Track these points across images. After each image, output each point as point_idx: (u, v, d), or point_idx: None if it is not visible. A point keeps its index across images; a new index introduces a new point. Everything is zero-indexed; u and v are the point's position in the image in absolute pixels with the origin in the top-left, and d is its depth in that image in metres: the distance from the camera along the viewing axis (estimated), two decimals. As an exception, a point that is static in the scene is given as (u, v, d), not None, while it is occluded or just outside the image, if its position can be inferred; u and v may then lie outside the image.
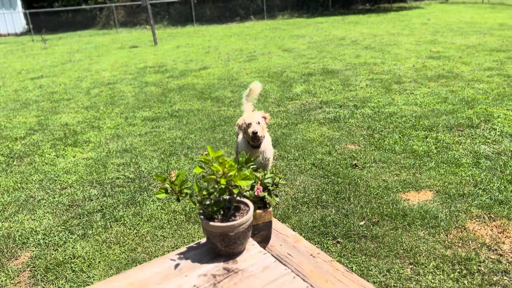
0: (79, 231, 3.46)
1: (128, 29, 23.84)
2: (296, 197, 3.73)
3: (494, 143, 4.60)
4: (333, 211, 3.46)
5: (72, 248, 3.23)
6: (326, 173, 4.15)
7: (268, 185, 2.31)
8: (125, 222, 3.54)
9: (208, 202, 2.01)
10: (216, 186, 2.04)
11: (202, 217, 1.97)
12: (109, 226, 3.50)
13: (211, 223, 1.91)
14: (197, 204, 1.96)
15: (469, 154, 4.37)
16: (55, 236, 3.41)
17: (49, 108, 7.42)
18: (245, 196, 2.14)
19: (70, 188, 4.27)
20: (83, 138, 5.71)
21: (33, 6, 26.59)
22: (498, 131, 4.88)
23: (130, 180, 4.33)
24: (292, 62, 10.04)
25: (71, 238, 3.37)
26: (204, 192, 2.04)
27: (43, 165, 4.90)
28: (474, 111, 5.59)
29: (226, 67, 10.09)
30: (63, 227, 3.54)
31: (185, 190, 2.04)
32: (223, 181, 1.90)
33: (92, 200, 3.97)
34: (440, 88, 6.85)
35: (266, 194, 2.25)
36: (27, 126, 6.46)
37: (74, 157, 5.09)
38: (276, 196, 2.82)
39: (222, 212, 2.01)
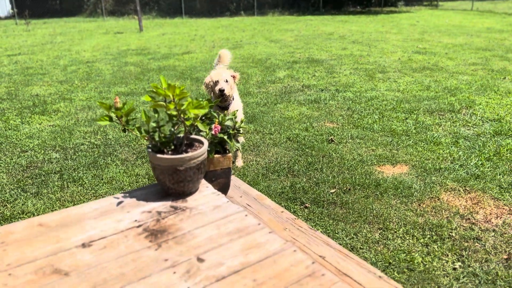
0: (33, 189, 3.23)
1: (116, 18, 23.45)
2: (267, 167, 3.56)
3: (474, 126, 4.50)
4: (304, 180, 3.29)
5: (22, 205, 3.01)
6: (300, 146, 3.99)
7: (228, 129, 2.13)
8: (84, 183, 3.33)
9: (157, 136, 1.83)
10: (168, 118, 1.86)
11: (149, 150, 1.79)
12: (65, 186, 3.28)
13: (159, 155, 1.73)
14: (143, 133, 1.77)
15: (448, 134, 4.25)
16: (5, 193, 3.17)
17: (22, 81, 7.12)
18: (201, 136, 1.97)
19: (30, 151, 4.03)
20: (52, 108, 5.45)
21: (19, -10, 25.96)
22: (479, 116, 4.78)
23: (95, 146, 4.11)
24: (278, 51, 9.88)
25: (23, 195, 3.14)
26: (154, 124, 1.86)
27: (5, 130, 4.64)
28: (456, 98, 5.49)
29: (210, 52, 9.89)
30: (16, 185, 3.31)
31: (133, 121, 1.87)
32: (171, 106, 1.72)
33: (52, 163, 3.74)
34: (424, 78, 6.76)
35: (225, 137, 2.07)
36: (-5, 95, 6.18)
37: (40, 124, 4.84)
38: (237, 141, 2.64)
39: (173, 148, 1.83)
